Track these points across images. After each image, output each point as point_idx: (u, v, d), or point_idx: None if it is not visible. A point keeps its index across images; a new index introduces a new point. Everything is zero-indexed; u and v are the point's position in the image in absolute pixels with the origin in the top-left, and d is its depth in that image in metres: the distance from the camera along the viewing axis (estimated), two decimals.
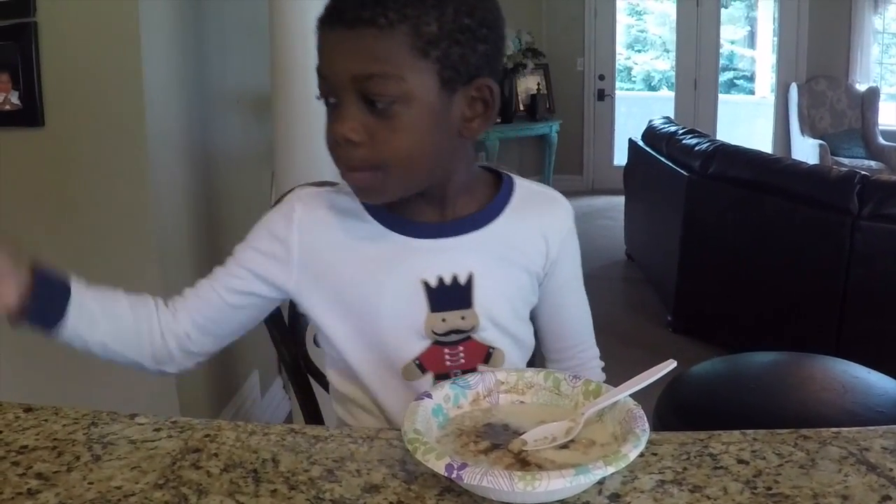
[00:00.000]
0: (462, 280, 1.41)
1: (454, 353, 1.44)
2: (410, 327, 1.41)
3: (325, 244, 1.42)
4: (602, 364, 1.70)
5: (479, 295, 1.42)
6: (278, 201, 1.51)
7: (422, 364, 1.43)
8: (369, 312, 1.41)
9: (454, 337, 1.43)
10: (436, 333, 1.41)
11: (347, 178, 1.32)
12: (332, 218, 1.43)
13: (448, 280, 1.40)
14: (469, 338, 1.44)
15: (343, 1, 1.25)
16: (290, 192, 1.51)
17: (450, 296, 1.41)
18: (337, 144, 1.28)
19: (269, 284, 1.45)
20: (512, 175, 1.52)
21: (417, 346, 1.42)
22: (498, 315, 1.45)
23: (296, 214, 1.43)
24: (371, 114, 1.25)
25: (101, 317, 1.36)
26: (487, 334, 1.45)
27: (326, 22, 1.26)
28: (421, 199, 1.39)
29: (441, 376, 1.42)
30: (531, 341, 1.57)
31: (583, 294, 1.62)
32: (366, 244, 1.41)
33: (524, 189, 1.50)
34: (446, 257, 1.40)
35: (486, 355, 1.46)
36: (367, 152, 1.27)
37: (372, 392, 1.46)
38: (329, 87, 1.28)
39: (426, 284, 1.39)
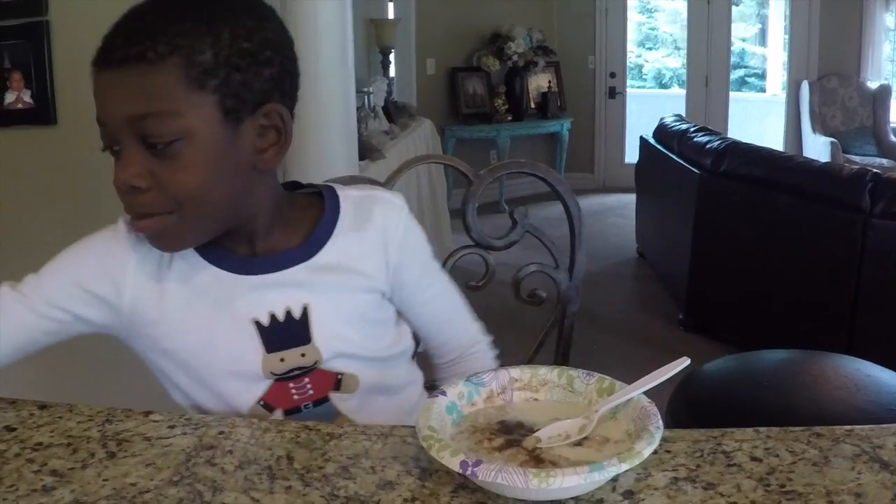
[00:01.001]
0: (296, 314, 1.35)
1: (300, 385, 1.39)
2: (247, 371, 1.35)
3: (155, 288, 1.34)
4: (487, 339, 1.62)
5: (318, 328, 1.36)
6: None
7: (268, 403, 1.38)
8: (203, 361, 1.35)
9: (297, 372, 1.38)
10: (275, 374, 1.36)
11: (138, 227, 1.25)
12: (157, 255, 1.34)
13: (281, 316, 1.34)
14: (315, 369, 1.39)
15: (111, 40, 1.17)
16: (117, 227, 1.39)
17: (286, 333, 1.35)
18: (124, 193, 1.21)
19: (91, 325, 1.38)
20: (336, 190, 1.44)
21: (259, 386, 1.37)
22: (342, 345, 1.39)
23: (133, 254, 1.35)
24: (153, 156, 1.18)
25: None
26: (334, 363, 1.40)
27: (97, 64, 1.19)
28: (234, 236, 1.33)
29: (290, 412, 1.39)
30: (395, 351, 1.50)
31: (443, 283, 1.55)
32: (193, 285, 1.33)
33: (350, 203, 1.42)
34: (276, 292, 1.34)
35: (336, 382, 1.41)
36: (153, 197, 1.20)
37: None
38: (108, 134, 1.20)
39: (258, 324, 1.34)
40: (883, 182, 4.07)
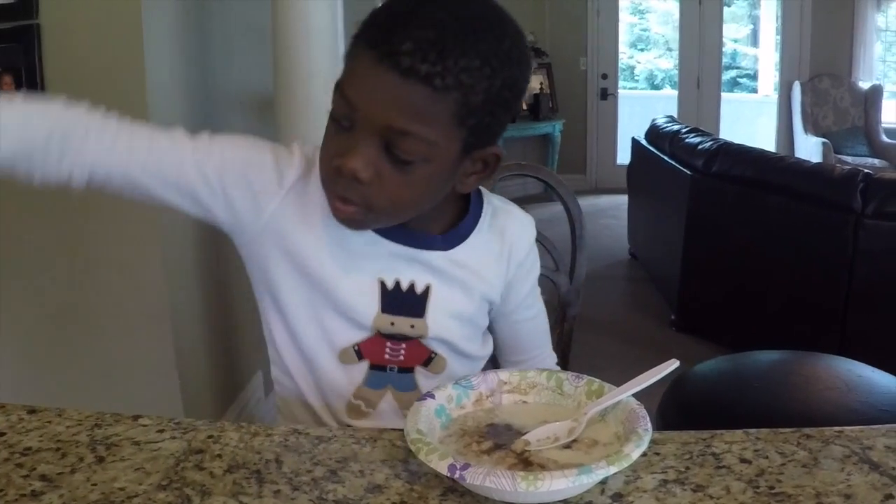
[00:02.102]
0: (418, 290, 1.40)
1: (396, 348, 1.44)
2: (358, 319, 1.40)
3: (303, 212, 1.38)
4: (554, 360, 1.68)
5: (433, 309, 1.42)
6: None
7: (360, 351, 1.43)
8: (324, 291, 1.39)
9: (399, 337, 1.43)
10: (381, 332, 1.42)
11: (333, 205, 1.28)
12: (317, 193, 1.35)
13: (405, 286, 1.40)
14: (414, 340, 1.44)
15: (400, 39, 1.15)
16: (299, 146, 1.42)
17: (402, 302, 1.40)
18: (338, 173, 1.22)
19: (232, 214, 1.38)
20: (482, 192, 1.49)
21: (360, 334, 1.42)
22: (446, 333, 1.44)
23: (296, 175, 1.38)
24: (387, 159, 1.21)
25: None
26: (433, 343, 1.45)
27: (373, 50, 1.17)
28: None
29: (376, 367, 1.44)
30: (483, 354, 1.56)
31: (539, 305, 1.60)
32: (338, 229, 1.34)
33: (491, 210, 1.48)
34: (408, 265, 1.39)
35: (428, 359, 1.46)
36: (368, 193, 1.23)
37: (307, 374, 1.46)
38: (353, 117, 1.20)
39: (382, 284, 1.39)
40: (874, 182, 4.09)
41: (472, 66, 1.17)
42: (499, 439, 1.08)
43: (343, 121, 1.22)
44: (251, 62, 3.72)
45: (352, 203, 1.25)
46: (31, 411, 1.26)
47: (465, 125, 1.21)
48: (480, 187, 1.48)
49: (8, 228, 3.11)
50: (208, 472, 1.06)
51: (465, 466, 0.94)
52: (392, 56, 1.14)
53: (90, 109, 1.32)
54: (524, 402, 1.20)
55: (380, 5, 1.23)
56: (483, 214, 1.46)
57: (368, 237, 1.37)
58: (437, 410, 1.12)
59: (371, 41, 1.17)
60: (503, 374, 1.21)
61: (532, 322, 1.59)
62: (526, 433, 1.09)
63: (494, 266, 1.46)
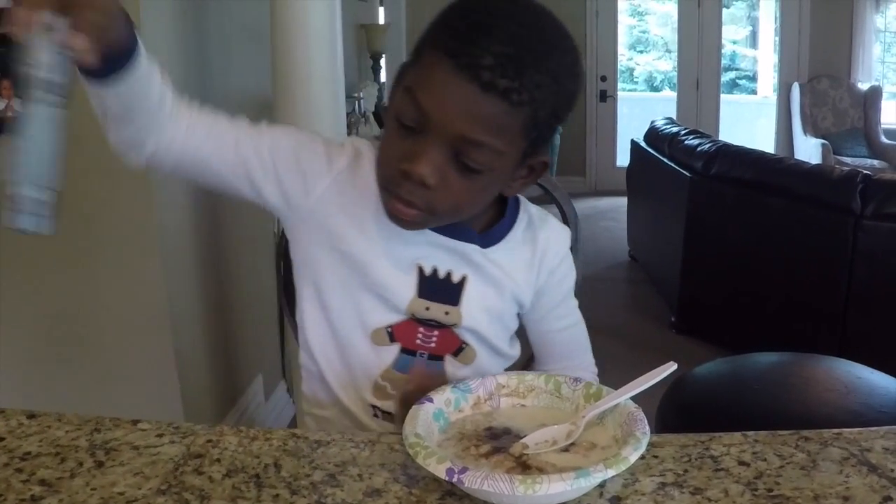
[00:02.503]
0: (455, 279, 1.43)
1: (428, 334, 1.46)
2: (393, 302, 1.42)
3: (348, 198, 1.41)
4: (594, 372, 1.68)
5: (468, 299, 1.44)
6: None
7: (393, 333, 1.45)
8: (362, 270, 1.41)
9: (433, 323, 1.45)
10: (415, 316, 1.44)
11: (393, 206, 1.29)
12: (364, 183, 1.39)
13: (442, 273, 1.42)
14: (447, 328, 1.46)
15: (481, 52, 1.16)
16: (351, 140, 1.48)
17: (439, 288, 1.43)
18: (405, 177, 1.24)
19: (282, 194, 1.43)
20: (520, 200, 1.52)
21: (395, 317, 1.44)
22: (479, 325, 1.47)
23: (345, 165, 1.42)
24: (454, 167, 1.23)
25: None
26: (466, 334, 1.47)
27: (452, 59, 1.17)
28: None
29: (406, 351, 1.46)
30: (511, 354, 1.58)
31: (575, 316, 1.61)
32: (381, 216, 1.36)
33: (527, 216, 1.51)
34: (447, 254, 1.42)
35: (458, 349, 1.48)
36: (432, 198, 1.25)
37: (337, 352, 1.48)
38: (424, 122, 1.21)
39: (420, 269, 1.41)
40: (873, 184, 4.08)
41: (545, 82, 1.20)
42: (497, 443, 1.08)
43: (410, 123, 1.23)
44: (250, 64, 3.73)
45: (414, 207, 1.27)
46: (31, 416, 1.26)
47: (529, 137, 1.25)
48: (519, 196, 1.51)
49: (6, 234, 3.11)
50: (207, 477, 1.07)
51: (464, 470, 0.94)
52: (472, 69, 1.15)
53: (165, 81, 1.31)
54: (522, 405, 1.20)
55: (449, 6, 1.24)
56: (519, 220, 1.49)
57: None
58: (436, 414, 1.13)
59: (450, 51, 1.17)
60: (501, 378, 1.22)
61: (565, 332, 1.60)
62: (524, 436, 1.09)
63: (525, 271, 1.49)
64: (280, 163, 1.40)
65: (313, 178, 1.41)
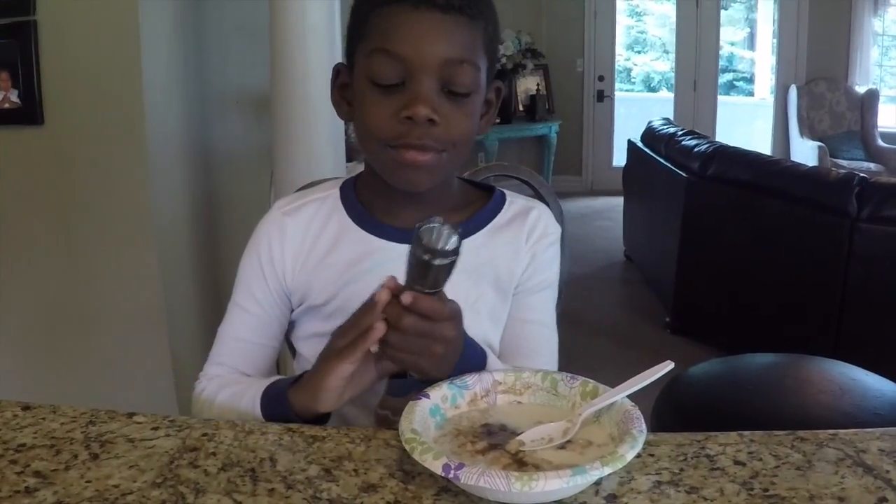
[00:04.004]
0: None
1: None
2: None
3: (309, 256, 1.47)
4: None
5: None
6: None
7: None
8: (341, 313, 1.38)
9: None
10: None
11: (412, 158, 1.32)
12: (314, 225, 1.48)
13: None
14: None
15: None
16: (274, 205, 1.55)
17: None
18: (410, 124, 1.28)
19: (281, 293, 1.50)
20: (506, 192, 1.55)
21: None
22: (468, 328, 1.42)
23: (288, 236, 1.48)
24: (445, 98, 1.30)
25: None
26: None
27: (409, 2, 1.26)
28: (410, 202, 1.42)
29: (396, 375, 1.38)
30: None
31: (548, 317, 1.58)
32: (343, 247, 1.44)
33: (515, 206, 1.54)
34: None
35: None
36: (440, 132, 1.30)
37: None
38: (405, 69, 1.28)
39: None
40: (870, 186, 4.09)
41: (486, 0, 1.33)
42: (493, 439, 1.08)
43: (391, 80, 1.29)
44: (248, 61, 3.72)
45: (429, 149, 1.32)
46: (26, 408, 1.26)
47: (488, 52, 1.35)
48: (505, 192, 1.55)
49: (4, 228, 3.11)
50: (202, 470, 1.06)
51: (460, 466, 0.94)
52: (429, 0, 1.25)
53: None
54: (519, 402, 1.20)
55: None
56: (505, 209, 1.53)
57: (376, 244, 1.44)
58: (432, 410, 1.12)
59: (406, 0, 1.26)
60: (498, 375, 1.21)
61: (533, 327, 1.55)
62: (520, 434, 1.09)
63: (511, 251, 1.50)
64: (266, 301, 1.50)
65: (278, 273, 1.48)
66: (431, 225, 1.06)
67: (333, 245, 1.46)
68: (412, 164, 1.32)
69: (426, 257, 1.07)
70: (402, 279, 1.27)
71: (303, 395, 1.21)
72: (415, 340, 1.14)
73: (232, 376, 1.46)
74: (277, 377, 1.33)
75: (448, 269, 1.10)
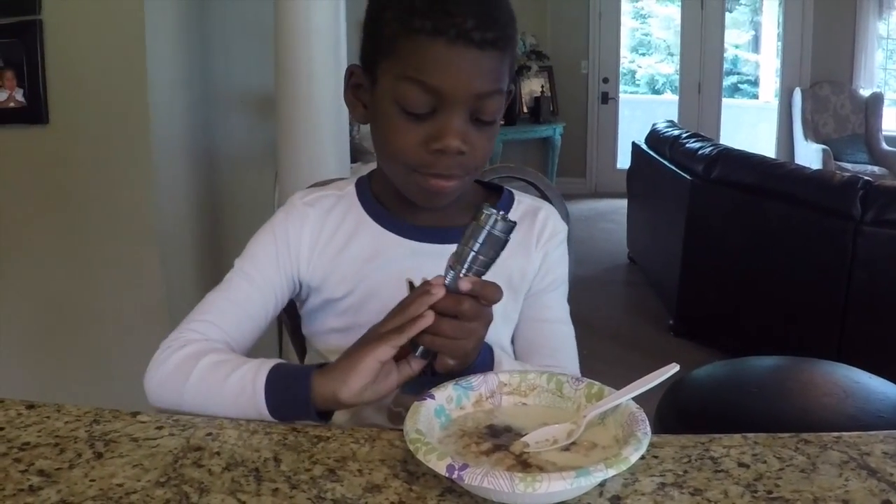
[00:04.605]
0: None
1: None
2: None
3: (326, 244, 1.47)
4: None
5: None
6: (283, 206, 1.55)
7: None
8: (357, 308, 1.45)
9: None
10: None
11: (438, 186, 1.34)
12: (333, 217, 1.49)
13: None
14: None
15: (462, 19, 1.24)
16: (294, 196, 1.55)
17: None
18: (440, 155, 1.30)
19: (286, 297, 1.51)
20: (513, 191, 1.56)
21: None
22: None
23: (307, 226, 1.48)
24: (472, 126, 1.31)
25: None
26: None
27: (442, 36, 1.24)
28: (413, 205, 1.43)
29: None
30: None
31: (563, 314, 1.60)
32: (359, 241, 1.46)
33: (523, 206, 1.56)
34: (432, 261, 1.35)
35: None
36: (464, 161, 1.32)
37: None
38: (437, 100, 1.28)
39: (410, 284, 1.42)
40: (874, 189, 4.08)
41: (509, 15, 1.33)
42: (498, 440, 1.08)
43: (422, 110, 1.29)
44: (252, 60, 3.73)
45: (453, 178, 1.34)
46: (30, 406, 1.26)
47: (511, 72, 1.35)
48: (513, 191, 1.57)
49: (6, 227, 3.11)
50: (206, 470, 1.06)
51: (464, 467, 0.94)
52: (463, 36, 1.24)
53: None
54: (524, 403, 1.20)
55: None
56: (514, 209, 1.54)
57: (392, 240, 1.46)
58: (437, 411, 1.12)
59: (434, 29, 1.24)
60: (503, 376, 1.21)
61: (551, 326, 1.57)
62: (525, 435, 1.09)
63: (522, 250, 1.50)
64: (271, 278, 1.48)
65: (292, 256, 1.48)
66: (489, 212, 1.14)
67: (350, 238, 1.47)
68: (438, 191, 1.35)
69: (487, 236, 1.15)
70: (416, 275, 1.31)
71: (330, 378, 1.19)
72: (467, 326, 1.18)
73: (216, 345, 1.41)
74: (278, 359, 1.30)
75: (499, 252, 1.17)
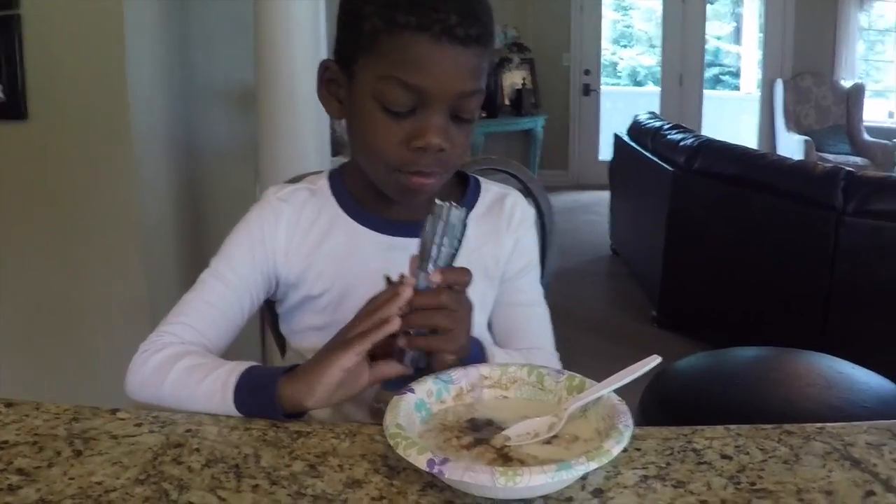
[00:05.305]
0: None
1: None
2: None
3: (301, 245, 1.47)
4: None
5: None
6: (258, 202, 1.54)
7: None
8: (335, 305, 1.46)
9: None
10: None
11: (419, 183, 1.34)
12: (307, 212, 1.49)
13: None
14: None
15: (445, 15, 1.22)
16: (267, 191, 1.54)
17: None
18: (421, 153, 1.29)
19: (264, 296, 1.51)
20: (479, 179, 1.58)
21: None
22: None
23: (283, 222, 1.48)
24: (452, 123, 1.31)
25: None
26: None
27: (425, 32, 1.23)
28: (385, 199, 1.43)
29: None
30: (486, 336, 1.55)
31: (537, 296, 1.61)
32: (335, 237, 1.46)
33: (489, 193, 1.57)
34: (409, 256, 1.34)
35: None
36: (446, 158, 1.32)
37: None
38: (419, 99, 1.27)
39: (388, 279, 1.39)
40: (856, 180, 4.10)
41: (490, 14, 1.31)
42: (479, 434, 1.08)
43: (403, 108, 1.28)
44: (233, 55, 3.71)
45: (433, 175, 1.34)
46: (9, 405, 1.25)
47: (489, 68, 1.35)
48: (478, 178, 1.58)
49: None
50: (186, 467, 1.06)
51: (444, 461, 0.93)
52: (447, 33, 1.23)
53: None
54: (505, 396, 1.19)
55: None
56: (481, 198, 1.55)
57: (367, 236, 1.46)
58: (417, 405, 1.12)
59: (418, 26, 1.23)
60: (484, 369, 1.21)
61: (525, 310, 1.58)
62: (506, 428, 1.08)
63: (494, 238, 1.52)
64: (247, 277, 1.48)
65: (268, 252, 1.48)
66: (441, 203, 1.16)
67: (326, 234, 1.46)
68: (418, 188, 1.34)
69: (445, 227, 1.17)
70: (393, 270, 1.29)
71: (296, 386, 1.19)
72: (454, 314, 1.19)
73: (193, 347, 1.41)
74: (251, 363, 1.29)
75: (461, 240, 1.19)
